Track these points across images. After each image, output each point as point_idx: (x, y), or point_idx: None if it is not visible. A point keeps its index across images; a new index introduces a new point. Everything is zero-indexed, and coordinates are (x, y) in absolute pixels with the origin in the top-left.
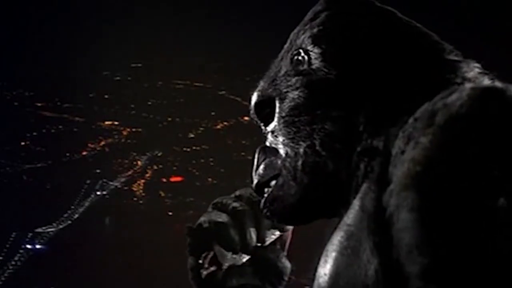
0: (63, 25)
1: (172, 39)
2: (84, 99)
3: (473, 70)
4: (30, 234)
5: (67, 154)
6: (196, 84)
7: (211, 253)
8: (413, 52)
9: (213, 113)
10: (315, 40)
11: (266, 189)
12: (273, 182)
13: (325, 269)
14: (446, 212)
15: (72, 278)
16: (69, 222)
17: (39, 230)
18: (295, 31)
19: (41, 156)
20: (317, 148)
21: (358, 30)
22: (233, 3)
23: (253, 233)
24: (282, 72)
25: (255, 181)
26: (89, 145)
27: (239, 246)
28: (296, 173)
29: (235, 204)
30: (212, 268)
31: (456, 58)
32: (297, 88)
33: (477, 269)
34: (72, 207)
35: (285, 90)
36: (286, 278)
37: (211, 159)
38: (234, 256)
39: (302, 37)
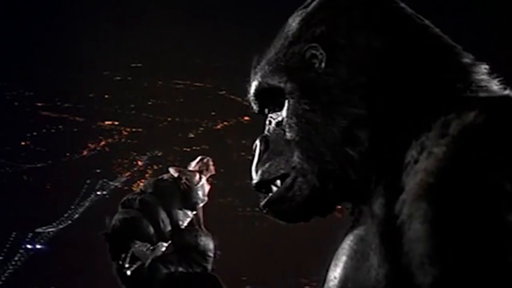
0: (63, 25)
1: (172, 39)
2: (84, 99)
3: (484, 73)
4: (30, 234)
5: (67, 154)
6: (196, 84)
7: (130, 252)
8: (428, 57)
9: (213, 113)
10: (334, 38)
11: (267, 186)
12: (278, 181)
13: (335, 273)
14: (459, 225)
15: (72, 278)
16: (69, 222)
17: (39, 230)
18: (305, 17)
19: (41, 156)
20: (335, 153)
21: (377, 35)
22: (234, 4)
23: (165, 220)
24: (295, 64)
25: (258, 177)
26: (89, 145)
27: (155, 236)
28: (309, 176)
29: (140, 197)
30: (135, 266)
31: (468, 61)
32: (315, 88)
33: (488, 282)
34: (72, 207)
35: (300, 87)
36: (211, 254)
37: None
38: (153, 248)
39: (318, 29)
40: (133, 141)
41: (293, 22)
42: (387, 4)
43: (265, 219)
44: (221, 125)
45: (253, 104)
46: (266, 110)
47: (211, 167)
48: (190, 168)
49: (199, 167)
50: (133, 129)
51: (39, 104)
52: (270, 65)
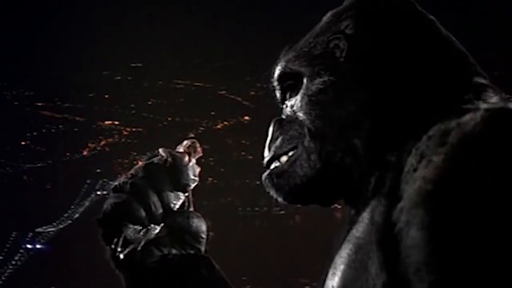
0: (63, 25)
1: (172, 39)
2: (84, 99)
3: (497, 95)
4: (30, 234)
5: (67, 154)
6: (196, 84)
7: (122, 236)
8: (442, 70)
9: (213, 113)
10: (358, 32)
11: (274, 163)
12: (284, 158)
13: (333, 282)
14: (455, 232)
15: (72, 278)
16: (69, 222)
17: (39, 230)
18: (334, 13)
19: (41, 156)
20: (338, 140)
21: (399, 36)
22: (233, 3)
23: (156, 203)
24: (318, 51)
25: (271, 153)
26: (89, 145)
27: (147, 219)
28: (311, 156)
29: (131, 181)
30: (128, 249)
31: (482, 82)
32: (331, 73)
33: None
34: (72, 207)
35: (317, 71)
36: (204, 236)
37: (211, 159)
38: (145, 231)
39: (345, 22)
40: (133, 141)
41: (324, 18)
42: (415, 11)
43: (265, 219)
44: (221, 125)
45: (276, 91)
46: (288, 96)
47: (198, 149)
48: (179, 150)
49: (187, 150)
50: (133, 129)
51: (39, 104)
52: (294, 52)
